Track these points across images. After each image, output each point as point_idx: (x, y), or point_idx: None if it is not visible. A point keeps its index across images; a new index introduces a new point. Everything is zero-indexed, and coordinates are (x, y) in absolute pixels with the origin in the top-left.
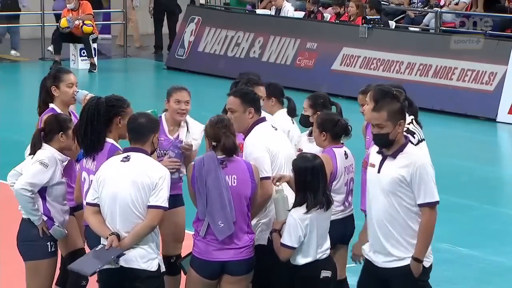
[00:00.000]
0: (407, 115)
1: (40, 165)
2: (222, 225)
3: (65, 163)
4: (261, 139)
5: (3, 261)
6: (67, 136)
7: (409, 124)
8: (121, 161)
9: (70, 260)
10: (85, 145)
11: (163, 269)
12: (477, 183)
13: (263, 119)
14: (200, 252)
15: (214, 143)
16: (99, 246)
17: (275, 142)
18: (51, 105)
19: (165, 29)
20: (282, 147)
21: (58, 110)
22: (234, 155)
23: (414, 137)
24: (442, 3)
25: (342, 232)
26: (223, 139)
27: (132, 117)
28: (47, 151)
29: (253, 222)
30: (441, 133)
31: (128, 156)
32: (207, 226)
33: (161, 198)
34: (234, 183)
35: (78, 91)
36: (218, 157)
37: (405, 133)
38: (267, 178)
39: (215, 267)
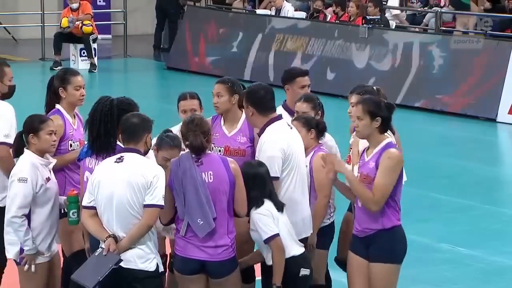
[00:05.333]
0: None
1: (20, 182)
2: (202, 222)
3: (51, 165)
4: (276, 138)
5: None
6: (38, 137)
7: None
8: (115, 162)
9: (73, 260)
10: (97, 146)
11: (161, 269)
12: (477, 183)
13: (279, 117)
14: (180, 249)
15: (187, 143)
16: (98, 251)
17: (289, 141)
18: (57, 106)
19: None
20: (297, 146)
21: (64, 112)
22: (203, 153)
23: None
24: (442, 3)
25: (332, 236)
26: (191, 137)
27: (124, 117)
28: (24, 160)
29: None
30: (441, 133)
31: (121, 157)
32: (187, 225)
33: (157, 197)
34: (210, 179)
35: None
36: (193, 155)
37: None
38: (276, 178)
39: (194, 265)
